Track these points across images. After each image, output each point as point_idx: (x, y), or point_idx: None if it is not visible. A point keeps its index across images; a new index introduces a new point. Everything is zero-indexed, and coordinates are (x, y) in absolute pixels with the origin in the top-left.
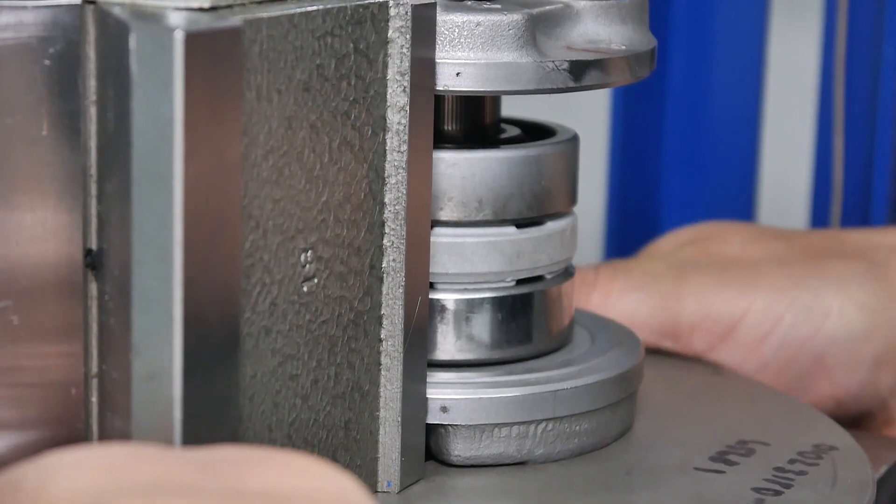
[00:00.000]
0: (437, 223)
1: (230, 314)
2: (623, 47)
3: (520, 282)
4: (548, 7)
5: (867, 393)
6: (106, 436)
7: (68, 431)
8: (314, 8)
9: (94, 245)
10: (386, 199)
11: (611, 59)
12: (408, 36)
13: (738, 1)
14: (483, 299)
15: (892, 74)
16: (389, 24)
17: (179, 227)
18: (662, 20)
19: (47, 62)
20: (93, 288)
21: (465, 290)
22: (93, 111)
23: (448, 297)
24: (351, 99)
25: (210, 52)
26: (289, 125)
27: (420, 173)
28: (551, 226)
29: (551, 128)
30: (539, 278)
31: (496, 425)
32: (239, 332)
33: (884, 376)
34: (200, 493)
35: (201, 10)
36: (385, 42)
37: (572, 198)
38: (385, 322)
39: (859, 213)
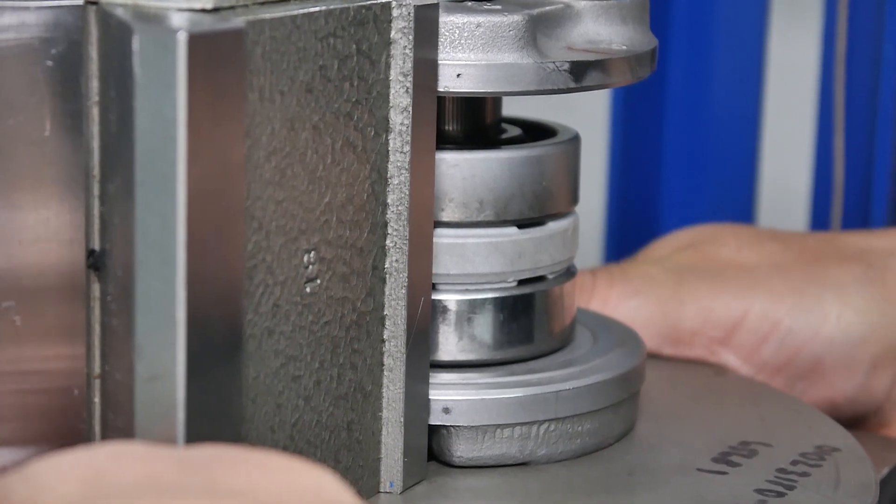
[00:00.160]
0: (438, 224)
1: (233, 315)
2: (624, 47)
3: (521, 282)
4: (548, 7)
5: (863, 396)
6: (108, 437)
7: (70, 432)
8: (317, 9)
9: (96, 246)
10: (388, 200)
11: (611, 60)
12: (410, 37)
13: (738, 1)
14: (485, 300)
15: (893, 74)
16: (392, 24)
17: (182, 228)
18: (662, 20)
19: (49, 63)
20: (95, 289)
21: (467, 290)
22: (95, 112)
23: (450, 298)
24: (353, 100)
25: (213, 53)
26: (291, 126)
27: (422, 174)
28: (553, 226)
29: (552, 128)
30: (541, 278)
31: (498, 426)
32: (242, 333)
33: (879, 379)
34: (181, 492)
35: (204, 11)
36: (388, 43)
37: (574, 198)
38: (388, 323)
39: (859, 214)
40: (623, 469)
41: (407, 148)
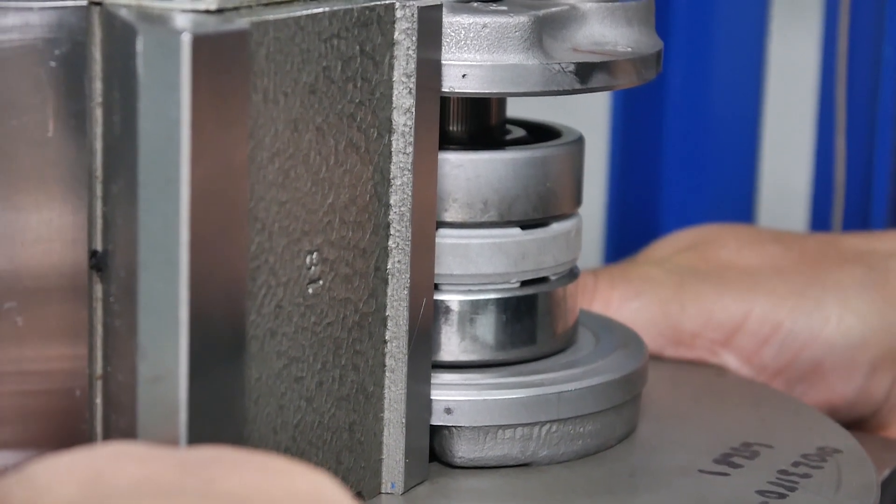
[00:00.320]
0: (441, 224)
1: (236, 316)
2: (629, 49)
3: (524, 283)
4: (554, 9)
5: (862, 398)
6: (110, 438)
7: (72, 433)
8: (320, 10)
9: (99, 246)
10: (391, 201)
11: (617, 62)
12: (414, 38)
13: (738, 1)
14: (487, 301)
15: (893, 74)
16: (395, 25)
17: (186, 230)
18: (662, 20)
19: (53, 64)
20: (98, 289)
21: (470, 291)
22: (98, 113)
23: (452, 299)
24: (357, 101)
25: (217, 54)
26: (295, 127)
27: (425, 175)
28: (556, 227)
29: (556, 129)
30: (544, 280)
31: (500, 427)
32: (244, 334)
33: (878, 382)
34: (179, 494)
35: (208, 12)
36: (391, 44)
37: (577, 199)
38: (390, 324)
39: (860, 214)
40: (625, 470)
41: (410, 149)
